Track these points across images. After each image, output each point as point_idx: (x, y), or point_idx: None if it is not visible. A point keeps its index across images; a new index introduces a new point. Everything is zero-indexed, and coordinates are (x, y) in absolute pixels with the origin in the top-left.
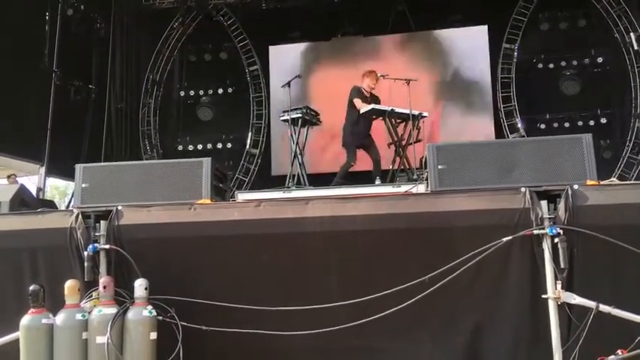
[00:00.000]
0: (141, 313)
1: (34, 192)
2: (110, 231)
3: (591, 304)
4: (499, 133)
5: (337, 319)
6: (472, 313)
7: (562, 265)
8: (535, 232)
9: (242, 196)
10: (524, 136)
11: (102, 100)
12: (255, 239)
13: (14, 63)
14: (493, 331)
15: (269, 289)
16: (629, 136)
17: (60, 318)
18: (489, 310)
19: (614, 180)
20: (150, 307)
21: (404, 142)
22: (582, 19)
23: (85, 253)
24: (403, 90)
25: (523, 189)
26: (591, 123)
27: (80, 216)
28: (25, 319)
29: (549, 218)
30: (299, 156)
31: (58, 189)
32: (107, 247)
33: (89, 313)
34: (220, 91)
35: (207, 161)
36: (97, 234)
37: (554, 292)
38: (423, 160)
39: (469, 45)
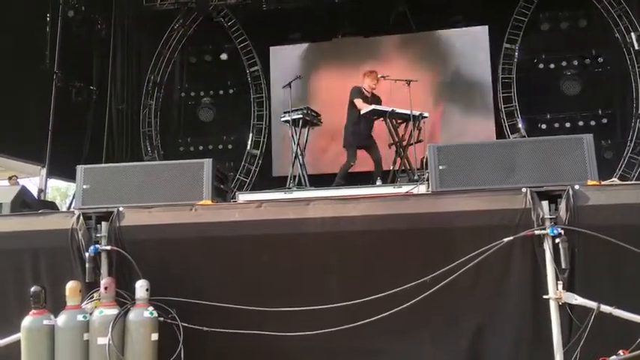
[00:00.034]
0: (142, 314)
1: (35, 193)
2: (111, 232)
3: (592, 304)
4: (500, 133)
5: (338, 319)
6: (473, 314)
7: (563, 266)
8: (536, 232)
9: (243, 197)
10: (525, 137)
11: (103, 102)
12: (256, 240)
13: (15, 64)
14: (494, 332)
15: (270, 289)
16: (630, 136)
17: (61, 319)
18: (490, 311)
19: (615, 180)
20: (151, 308)
21: (405, 143)
22: (583, 19)
23: (87, 255)
24: (404, 90)
25: (524, 189)
26: (592, 123)
27: (81, 217)
28: (27, 321)
29: (550, 218)
30: (300, 157)
31: (60, 190)
32: (108, 248)
33: (90, 314)
34: (221, 92)
35: (208, 162)
36: (98, 235)
37: (555, 292)
38: (424, 160)
39: (470, 45)
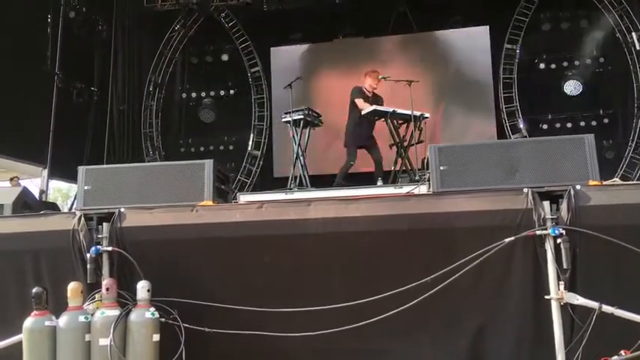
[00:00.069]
0: (143, 315)
1: (36, 194)
2: (113, 233)
3: (594, 304)
4: (501, 133)
5: (339, 320)
6: (475, 314)
7: (565, 266)
8: (538, 232)
9: (244, 197)
10: (526, 137)
11: (104, 103)
12: (257, 241)
13: (16, 65)
14: (496, 332)
15: (271, 290)
16: (632, 136)
17: (63, 320)
18: (492, 311)
19: (616, 180)
20: (152, 309)
21: (406, 144)
22: (584, 19)
23: (88, 255)
24: (405, 91)
25: (525, 189)
26: (593, 123)
27: (83, 218)
28: (28, 322)
29: (552, 219)
30: (301, 157)
31: (61, 191)
32: (110, 249)
33: (92, 315)
34: (222, 92)
35: (209, 163)
36: (99, 236)
37: (556, 292)
38: (425, 161)
39: (471, 46)
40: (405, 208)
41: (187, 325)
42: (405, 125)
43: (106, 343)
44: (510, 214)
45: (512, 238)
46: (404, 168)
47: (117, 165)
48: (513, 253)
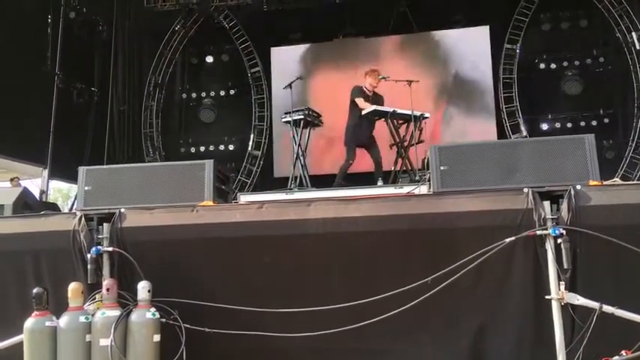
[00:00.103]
0: (144, 315)
1: (37, 195)
2: (113, 233)
3: (595, 304)
4: (501, 133)
5: (340, 320)
6: (475, 314)
7: (565, 266)
8: (538, 232)
9: (244, 197)
10: (526, 137)
11: (104, 103)
12: (258, 241)
13: (17, 66)
14: (496, 332)
15: (271, 290)
16: (632, 135)
17: (63, 320)
18: (492, 311)
19: (616, 180)
20: (153, 310)
21: (406, 144)
22: (584, 19)
23: (88, 256)
24: (405, 91)
25: (526, 189)
26: (594, 123)
27: (83, 218)
28: (29, 322)
29: (552, 219)
30: (301, 157)
31: (61, 192)
32: (110, 249)
33: (92, 315)
34: (222, 93)
35: (209, 163)
36: (100, 236)
37: (557, 292)
38: (425, 161)
39: (470, 45)
40: (406, 209)
41: (188, 326)
42: (405, 125)
43: (107, 344)
44: (511, 214)
45: (513, 238)
46: (404, 168)
47: (117, 165)
48: (514, 253)
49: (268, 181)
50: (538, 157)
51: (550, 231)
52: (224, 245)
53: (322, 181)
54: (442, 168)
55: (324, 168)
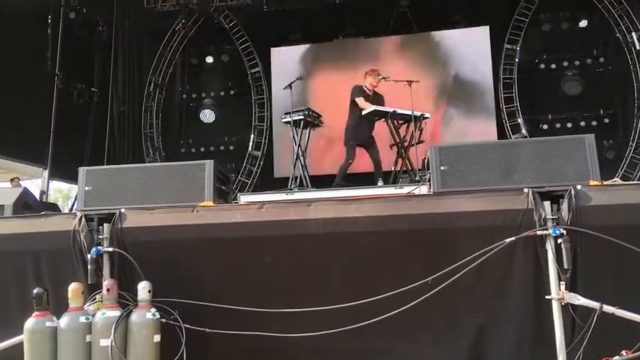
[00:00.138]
0: (144, 315)
1: (37, 195)
2: (113, 234)
3: (595, 304)
4: (501, 133)
5: (340, 320)
6: (475, 315)
7: (565, 266)
8: (538, 232)
9: (244, 198)
10: (526, 137)
11: (104, 103)
12: (258, 241)
13: (17, 66)
14: (496, 332)
15: (271, 290)
16: (632, 135)
17: (64, 321)
18: (493, 311)
19: (617, 180)
20: (153, 310)
21: (406, 144)
22: (584, 19)
23: (89, 256)
24: (405, 91)
25: (526, 190)
26: (594, 123)
27: (83, 219)
28: (29, 322)
29: (552, 219)
30: (301, 158)
31: (62, 192)
32: (110, 249)
33: (93, 315)
34: (222, 93)
35: (209, 163)
36: (100, 237)
37: (557, 292)
38: (426, 161)
39: (470, 46)
40: (406, 209)
41: (188, 326)
42: (405, 125)
43: (107, 344)
44: (511, 214)
45: (513, 239)
46: (404, 168)
47: (117, 166)
48: (514, 253)
49: (268, 182)
50: (538, 157)
51: (550, 231)
52: (224, 245)
53: (322, 182)
54: (442, 168)
55: (324, 168)
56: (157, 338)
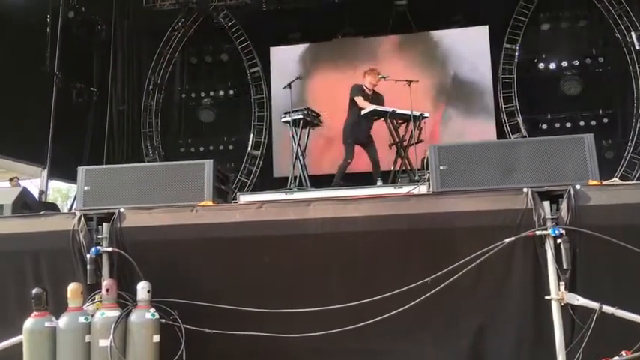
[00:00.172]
0: (144, 315)
1: (36, 195)
2: (113, 233)
3: (594, 304)
4: (501, 133)
5: (340, 320)
6: (475, 314)
7: (565, 266)
8: (537, 232)
9: (244, 197)
10: (525, 137)
11: (103, 103)
12: (257, 241)
13: (16, 66)
14: (496, 332)
15: (271, 290)
16: (631, 135)
17: (63, 321)
18: (492, 311)
19: (616, 180)
20: (153, 310)
21: (405, 143)
22: (583, 18)
23: (88, 256)
24: (404, 91)
25: (525, 190)
26: (593, 123)
27: (82, 218)
28: (28, 322)
29: (552, 219)
30: (300, 157)
31: (61, 192)
32: (110, 249)
33: (92, 315)
34: (221, 92)
35: (208, 163)
36: (99, 236)
37: (557, 292)
38: (425, 161)
39: (469, 45)
40: (405, 209)
41: (187, 326)
42: (404, 125)
43: (106, 344)
44: (510, 214)
45: (512, 239)
46: (403, 168)
47: (116, 165)
48: (513, 253)
49: (268, 181)
50: (537, 157)
51: (549, 231)
52: (223, 245)
53: (321, 181)
54: (441, 168)
55: (324, 168)
56: (157, 338)
